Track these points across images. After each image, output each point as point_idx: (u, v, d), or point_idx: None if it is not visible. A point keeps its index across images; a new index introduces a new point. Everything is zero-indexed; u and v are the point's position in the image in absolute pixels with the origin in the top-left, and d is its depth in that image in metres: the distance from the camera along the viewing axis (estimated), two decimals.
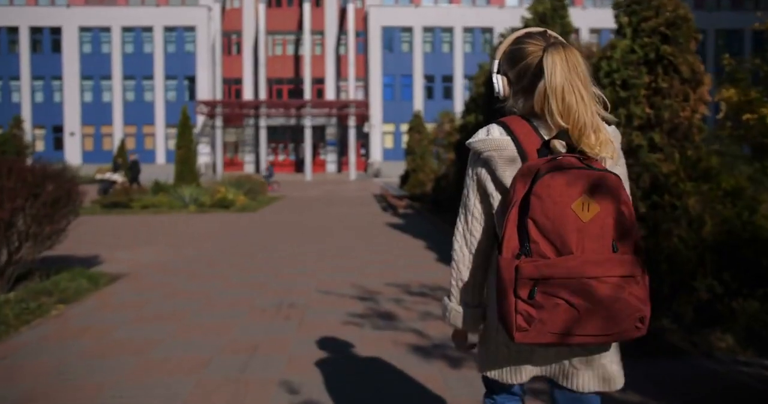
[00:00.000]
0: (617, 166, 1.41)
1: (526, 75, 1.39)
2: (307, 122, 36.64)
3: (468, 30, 39.80)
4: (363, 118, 38.33)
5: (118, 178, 17.90)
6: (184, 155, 16.05)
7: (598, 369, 1.40)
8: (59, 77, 38.76)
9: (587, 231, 1.23)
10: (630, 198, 1.31)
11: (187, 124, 16.24)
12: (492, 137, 1.38)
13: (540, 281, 1.23)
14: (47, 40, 38.99)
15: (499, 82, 1.45)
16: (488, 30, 39.95)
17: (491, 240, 1.45)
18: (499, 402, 1.55)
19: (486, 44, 40.20)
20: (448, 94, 39.19)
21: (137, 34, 38.95)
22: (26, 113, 38.83)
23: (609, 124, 1.41)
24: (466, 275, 1.48)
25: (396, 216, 12.84)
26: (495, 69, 1.46)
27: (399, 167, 36.46)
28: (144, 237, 9.16)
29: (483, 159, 1.40)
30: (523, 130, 1.36)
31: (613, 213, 1.25)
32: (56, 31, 38.81)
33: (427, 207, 12.67)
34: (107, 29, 38.75)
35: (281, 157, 40.19)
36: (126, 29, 38.78)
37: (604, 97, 1.37)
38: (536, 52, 1.38)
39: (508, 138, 1.37)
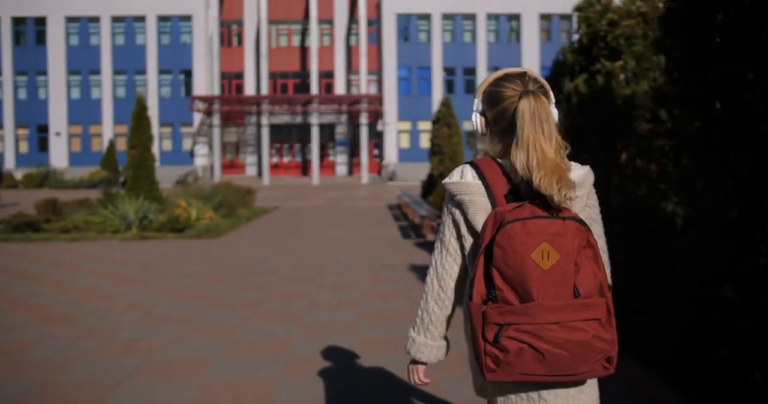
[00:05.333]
0: (587, 207, 1.45)
1: (503, 119, 1.43)
2: (314, 120, 34.16)
3: (492, 17, 37.08)
4: (376, 115, 35.63)
5: None
6: (138, 157, 12.24)
7: (569, 400, 1.41)
8: (44, 72, 36.51)
9: (547, 279, 1.28)
10: (601, 238, 1.44)
11: (142, 115, 12.40)
12: (465, 181, 1.43)
13: (504, 326, 1.29)
14: (31, 32, 36.87)
15: (478, 121, 1.49)
16: (515, 17, 37.08)
17: (463, 277, 1.49)
18: None
19: (512, 33, 37.18)
20: (470, 88, 36.21)
21: (128, 24, 36.71)
22: (8, 111, 36.44)
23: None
24: (435, 309, 1.51)
25: (422, 246, 8.84)
26: (474, 107, 1.50)
27: (416, 169, 33.60)
28: None
29: (456, 201, 1.44)
30: (494, 174, 1.42)
31: (573, 259, 1.30)
32: (41, 22, 36.67)
33: None
34: (96, 19, 36.55)
35: (286, 159, 37.04)
36: (116, 19, 36.61)
37: (567, 145, 1.41)
38: (513, 97, 1.41)
39: (479, 182, 1.42)
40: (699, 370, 2.89)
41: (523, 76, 1.42)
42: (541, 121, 1.34)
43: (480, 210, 1.39)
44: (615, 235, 4.63)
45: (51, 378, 3.36)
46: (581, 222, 1.32)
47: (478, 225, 1.38)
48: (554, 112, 1.44)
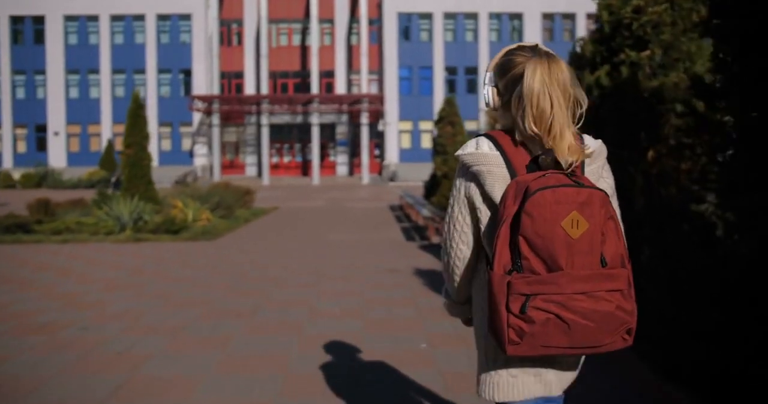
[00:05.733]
0: (602, 179, 1.44)
1: (512, 85, 1.40)
2: (315, 119, 33.89)
3: (494, 16, 36.92)
4: (377, 115, 35.36)
5: None
6: (134, 156, 11.90)
7: (559, 376, 1.43)
8: (42, 71, 36.27)
9: (576, 248, 1.27)
10: (618, 212, 1.39)
11: (138, 114, 12.07)
12: (481, 151, 1.39)
13: (531, 296, 1.27)
14: (29, 31, 36.67)
15: (489, 93, 1.47)
16: (517, 16, 36.88)
17: (476, 252, 1.47)
18: None
19: (514, 32, 36.98)
20: (472, 87, 35.97)
21: (128, 23, 36.47)
22: (6, 111, 36.20)
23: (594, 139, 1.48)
24: (448, 279, 1.53)
25: (427, 249, 8.51)
26: (486, 80, 1.48)
27: (417, 169, 33.27)
28: None
29: (471, 173, 1.41)
30: (511, 144, 1.39)
31: (601, 229, 1.29)
32: (39, 21, 36.42)
33: None
34: (95, 18, 36.33)
35: (286, 159, 36.75)
36: (115, 18, 36.39)
37: (583, 112, 1.39)
38: (523, 62, 1.39)
39: (497, 153, 1.38)
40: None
41: (534, 47, 1.43)
42: (557, 76, 1.33)
43: (498, 181, 1.36)
44: (639, 240, 4.29)
45: (20, 401, 3.02)
46: (605, 193, 1.31)
47: (497, 196, 1.36)
48: (568, 75, 1.36)
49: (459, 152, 1.42)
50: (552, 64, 1.35)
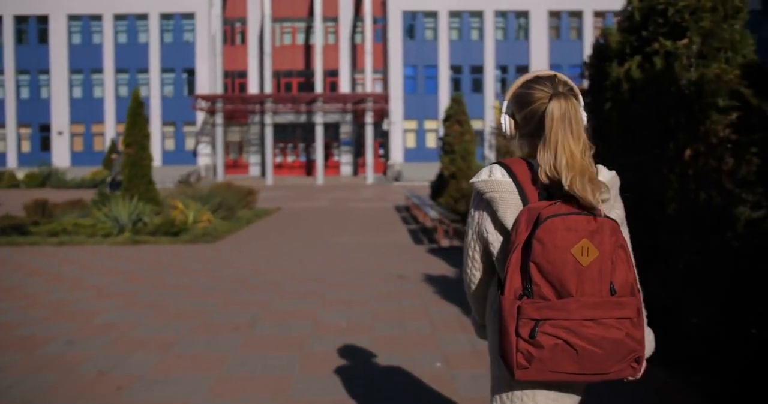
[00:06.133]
0: (614, 209, 1.44)
1: (532, 121, 1.42)
2: (319, 119, 33.58)
3: (500, 14, 36.59)
4: (381, 114, 35.01)
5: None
6: (134, 155, 11.56)
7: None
8: (46, 71, 36.12)
9: (586, 275, 1.28)
10: (627, 241, 1.40)
11: (138, 112, 11.73)
12: (494, 179, 1.42)
13: (540, 321, 1.28)
14: (33, 30, 36.52)
15: (506, 123, 1.49)
16: (523, 14, 36.55)
17: (489, 279, 1.51)
18: None
19: (521, 30, 36.63)
20: (477, 86, 35.64)
21: (131, 22, 36.26)
22: (10, 111, 36.05)
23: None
24: (471, 301, 1.57)
25: (436, 253, 8.16)
26: (504, 109, 1.50)
27: (422, 169, 32.91)
28: None
29: (485, 199, 1.44)
30: (524, 172, 1.41)
31: (610, 257, 1.30)
32: (43, 20, 36.27)
33: None
34: (98, 17, 36.14)
35: (290, 159, 36.46)
36: (118, 17, 36.18)
37: (593, 146, 1.41)
38: (542, 98, 1.40)
39: (510, 180, 1.41)
40: None
41: (552, 79, 1.42)
42: (570, 123, 1.35)
43: (511, 207, 1.38)
44: (675, 246, 3.91)
45: None
46: (615, 221, 1.33)
47: (509, 222, 1.38)
48: (583, 115, 1.41)
49: (474, 179, 1.45)
50: (570, 105, 1.35)
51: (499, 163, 1.44)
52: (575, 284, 1.26)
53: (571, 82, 1.43)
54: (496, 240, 1.41)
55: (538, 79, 1.42)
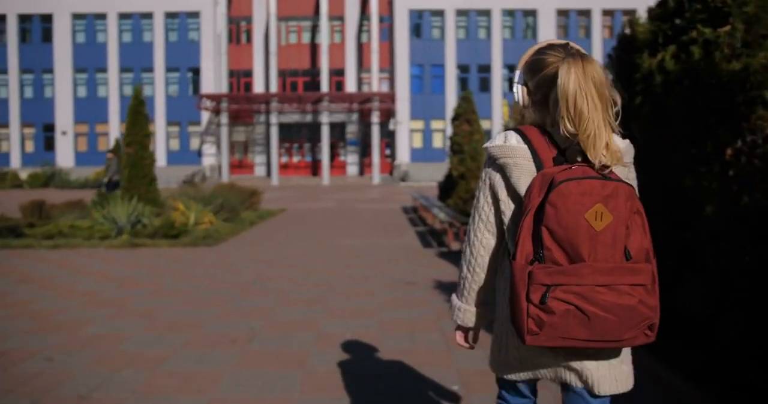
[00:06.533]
0: (628, 180, 1.41)
1: (544, 85, 1.41)
2: (325, 118, 33.29)
3: (508, 13, 36.26)
4: (388, 114, 34.69)
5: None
6: (135, 155, 11.26)
7: (611, 370, 1.39)
8: (50, 70, 36.02)
9: (599, 240, 1.26)
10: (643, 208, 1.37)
11: (138, 111, 11.44)
12: (509, 144, 1.40)
13: (552, 287, 1.27)
14: (37, 29, 36.40)
15: (519, 92, 1.47)
16: (531, 12, 36.18)
17: (500, 244, 1.48)
18: (510, 402, 1.57)
19: (528, 29, 36.27)
20: (485, 86, 35.29)
21: (135, 21, 36.12)
22: (14, 110, 35.94)
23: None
24: (467, 275, 1.51)
25: (446, 257, 7.85)
26: (516, 78, 1.48)
27: (429, 169, 32.57)
28: None
29: (498, 165, 1.42)
30: (539, 138, 1.39)
31: (625, 222, 1.28)
32: (47, 19, 36.17)
33: None
34: (102, 16, 36.01)
35: (296, 159, 36.19)
36: (123, 16, 36.06)
37: (620, 110, 1.38)
38: (555, 62, 1.38)
39: (525, 146, 1.39)
40: None
41: (566, 46, 1.41)
42: (592, 76, 1.31)
43: (525, 173, 1.37)
44: (705, 252, 3.55)
45: None
46: (631, 186, 1.30)
47: (522, 188, 1.36)
48: (603, 74, 1.33)
49: (487, 144, 1.43)
50: (586, 64, 1.32)
51: (514, 129, 1.42)
52: (588, 249, 1.24)
53: (584, 51, 1.39)
54: (508, 206, 1.40)
55: (550, 46, 1.41)
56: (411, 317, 4.60)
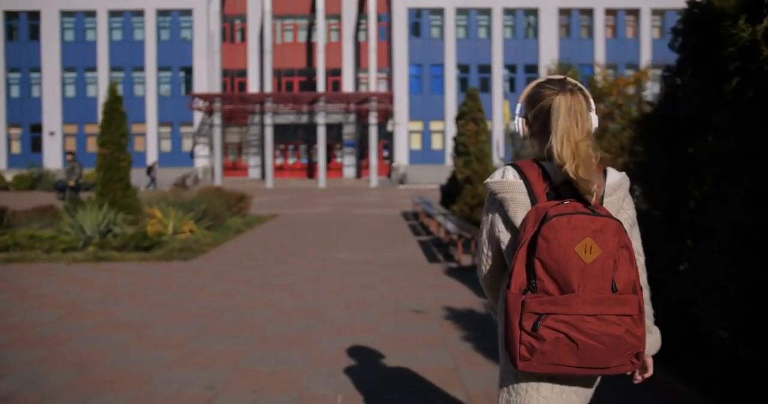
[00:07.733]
0: (623, 210, 1.49)
1: (540, 116, 1.49)
2: (321, 119, 32.31)
3: (509, 11, 35.44)
4: (386, 115, 33.75)
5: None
6: (110, 156, 10.22)
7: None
8: (38, 69, 34.97)
9: (589, 272, 1.32)
10: (632, 241, 1.44)
11: (115, 108, 10.39)
12: (506, 179, 1.47)
13: (543, 315, 1.32)
14: (24, 26, 35.36)
15: (519, 124, 1.56)
16: (532, 11, 35.36)
17: (501, 272, 1.56)
18: None
19: (530, 28, 35.41)
20: (485, 86, 34.38)
21: (126, 18, 35.10)
22: (0, 110, 34.40)
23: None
24: (490, 296, 1.63)
25: (456, 275, 6.85)
26: (517, 111, 1.56)
27: (428, 172, 31.59)
28: None
29: (497, 199, 1.49)
30: (534, 173, 1.46)
31: (613, 256, 1.33)
32: (34, 16, 35.09)
33: None
34: (92, 13, 35.00)
35: (291, 160, 35.16)
36: (113, 13, 35.04)
37: (599, 154, 1.44)
38: (551, 95, 1.47)
39: (521, 181, 1.46)
40: None
41: (563, 80, 1.49)
42: (575, 115, 1.40)
43: (520, 207, 1.43)
44: None
45: None
46: (619, 222, 1.36)
47: (518, 221, 1.42)
48: (593, 117, 1.47)
49: (487, 180, 1.50)
50: (575, 100, 1.41)
51: (511, 164, 1.49)
52: (577, 280, 1.29)
53: (579, 84, 1.47)
54: (506, 238, 1.46)
55: (548, 81, 1.50)
56: (420, 365, 3.55)
